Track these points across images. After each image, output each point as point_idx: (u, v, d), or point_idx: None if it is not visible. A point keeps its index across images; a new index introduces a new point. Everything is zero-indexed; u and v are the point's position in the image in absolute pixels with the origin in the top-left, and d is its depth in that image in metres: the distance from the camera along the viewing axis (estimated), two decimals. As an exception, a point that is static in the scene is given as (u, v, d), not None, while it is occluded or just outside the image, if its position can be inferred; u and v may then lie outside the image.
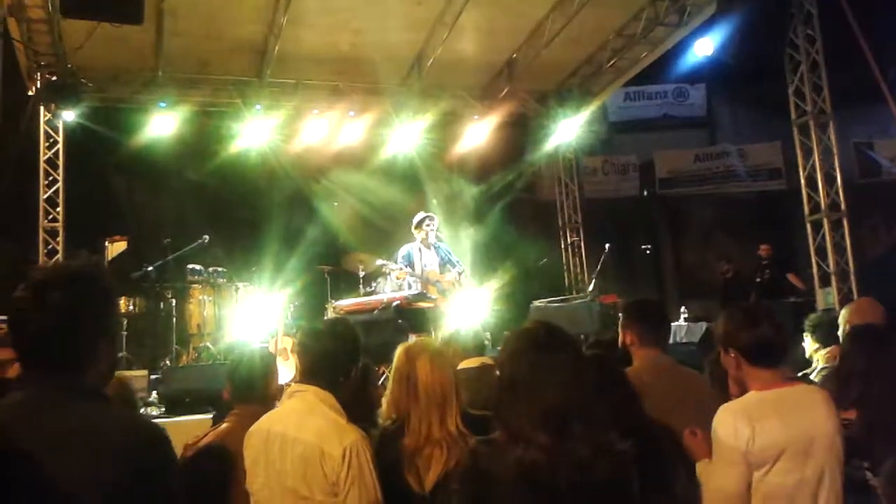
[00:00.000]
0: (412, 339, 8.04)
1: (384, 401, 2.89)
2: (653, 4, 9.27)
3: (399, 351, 2.85)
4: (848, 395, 2.94)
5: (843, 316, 4.35)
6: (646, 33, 9.63)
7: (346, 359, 2.79)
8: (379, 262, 8.56)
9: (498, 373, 2.08)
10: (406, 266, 8.45)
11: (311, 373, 2.75)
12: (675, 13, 9.23)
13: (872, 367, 3.07)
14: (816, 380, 4.33)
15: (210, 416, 5.54)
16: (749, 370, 2.66)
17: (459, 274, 8.58)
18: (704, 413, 2.81)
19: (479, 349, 4.29)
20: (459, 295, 8.45)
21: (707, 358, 3.58)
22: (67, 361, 1.68)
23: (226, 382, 3.42)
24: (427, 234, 8.61)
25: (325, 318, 8.16)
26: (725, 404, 2.66)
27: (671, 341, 9.44)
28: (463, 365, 3.64)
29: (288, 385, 2.97)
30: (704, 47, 9.25)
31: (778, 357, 2.69)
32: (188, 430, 3.84)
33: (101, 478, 1.57)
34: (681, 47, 9.98)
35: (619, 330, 3.53)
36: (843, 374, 3.08)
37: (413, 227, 8.73)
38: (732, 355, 2.68)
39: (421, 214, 8.79)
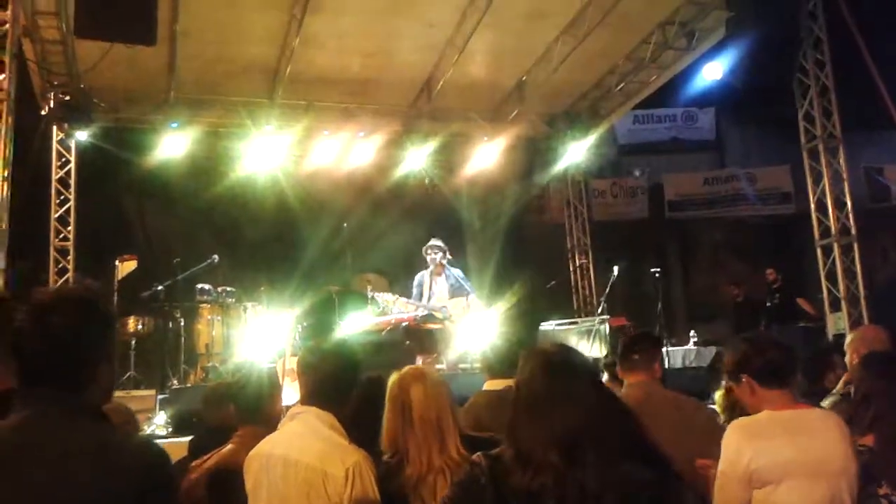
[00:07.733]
0: (420, 360, 8.09)
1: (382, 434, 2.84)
2: (662, 28, 9.32)
3: (392, 381, 2.81)
4: (864, 420, 2.92)
5: (848, 344, 4.30)
6: (655, 57, 9.67)
7: (347, 379, 2.79)
8: (369, 293, 8.51)
9: (515, 393, 2.07)
10: (417, 293, 8.47)
11: (312, 394, 2.74)
12: (684, 37, 9.26)
13: (890, 390, 3.05)
14: (826, 405, 4.29)
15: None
16: (763, 393, 2.71)
17: (466, 297, 8.51)
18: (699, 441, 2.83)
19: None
20: (466, 319, 8.40)
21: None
22: (68, 383, 1.70)
23: (229, 403, 3.40)
24: (430, 263, 8.60)
25: (326, 338, 8.12)
26: (735, 420, 2.73)
27: (680, 365, 9.41)
28: (488, 387, 3.59)
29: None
30: (713, 71, 9.28)
31: (787, 377, 2.74)
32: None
33: (104, 496, 1.59)
34: (690, 71, 10.01)
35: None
36: (860, 400, 3.05)
37: (424, 254, 8.74)
38: (745, 381, 2.74)
39: (431, 242, 8.76)
